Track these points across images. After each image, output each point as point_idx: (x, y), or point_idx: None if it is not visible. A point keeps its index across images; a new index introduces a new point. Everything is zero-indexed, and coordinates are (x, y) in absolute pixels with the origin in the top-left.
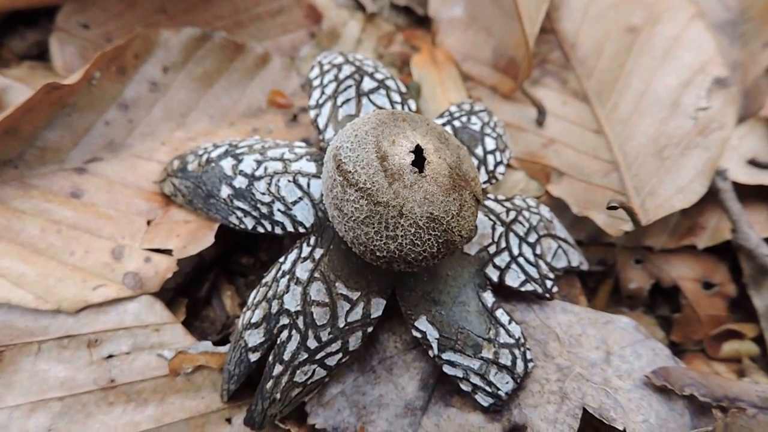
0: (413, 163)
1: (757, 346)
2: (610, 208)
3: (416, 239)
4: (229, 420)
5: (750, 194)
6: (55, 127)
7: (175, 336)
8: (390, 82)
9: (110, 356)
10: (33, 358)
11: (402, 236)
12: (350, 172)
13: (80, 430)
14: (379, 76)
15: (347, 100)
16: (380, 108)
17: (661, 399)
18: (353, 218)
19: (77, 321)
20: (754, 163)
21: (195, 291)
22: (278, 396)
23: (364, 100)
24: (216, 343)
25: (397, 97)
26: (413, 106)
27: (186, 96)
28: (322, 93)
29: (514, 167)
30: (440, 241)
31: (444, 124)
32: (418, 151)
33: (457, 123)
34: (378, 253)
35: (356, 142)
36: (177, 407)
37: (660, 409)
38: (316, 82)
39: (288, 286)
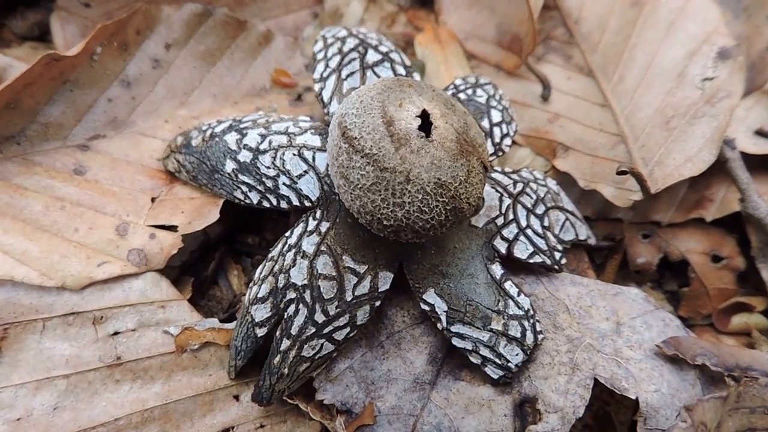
0: (420, 128)
1: (766, 318)
2: (620, 173)
3: (424, 206)
4: (236, 397)
5: (757, 165)
6: (57, 103)
7: (181, 313)
8: (394, 55)
9: (116, 333)
10: (38, 335)
11: (409, 203)
12: (356, 138)
13: (86, 408)
14: (383, 48)
15: (352, 73)
16: None
17: (672, 369)
18: (359, 186)
19: (82, 298)
20: (761, 133)
21: (201, 270)
22: (286, 371)
23: (369, 73)
24: (222, 321)
25: (401, 70)
26: (418, 79)
27: (189, 74)
28: (326, 66)
29: (519, 144)
30: (448, 208)
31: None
32: (424, 116)
33: (462, 96)
34: (385, 222)
35: (361, 108)
36: (184, 384)
37: (672, 378)
38: (320, 56)
39: (294, 260)
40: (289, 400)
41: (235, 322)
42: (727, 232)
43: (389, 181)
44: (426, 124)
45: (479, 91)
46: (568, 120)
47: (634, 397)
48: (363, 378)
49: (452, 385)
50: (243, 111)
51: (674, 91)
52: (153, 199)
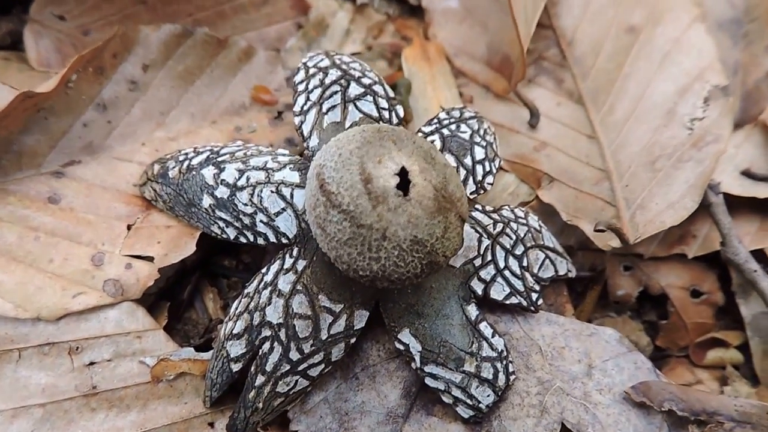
0: (398, 185)
1: (741, 354)
2: (597, 230)
3: (400, 261)
4: (211, 424)
5: (743, 204)
6: (31, 132)
7: (157, 342)
8: (377, 88)
9: (92, 363)
10: (14, 365)
11: (385, 258)
12: (333, 193)
13: None
14: (366, 81)
15: (333, 107)
16: (366, 115)
17: (639, 413)
18: (336, 239)
19: (58, 328)
20: (748, 174)
21: (177, 293)
22: (260, 405)
23: (350, 107)
24: (199, 347)
25: (384, 103)
26: (401, 112)
27: (166, 94)
28: (307, 99)
29: (504, 170)
30: (424, 262)
31: (432, 132)
32: (403, 172)
33: (446, 131)
34: (361, 273)
35: (340, 162)
36: (159, 413)
37: (638, 423)
38: (301, 87)
39: (270, 298)
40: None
41: (210, 353)
42: (708, 267)
43: (366, 237)
44: (405, 180)
45: (463, 127)
46: (554, 149)
47: None
48: (337, 409)
49: (425, 420)
50: (221, 131)
51: (662, 130)
52: (129, 227)
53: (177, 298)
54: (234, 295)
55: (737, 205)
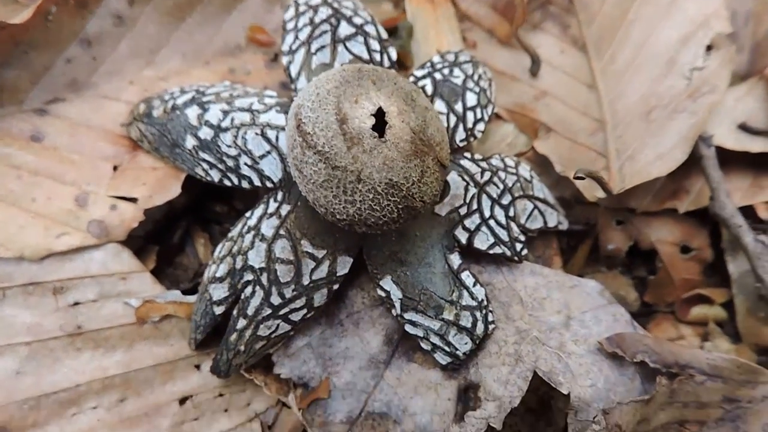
0: (375, 127)
1: (725, 311)
2: (576, 177)
3: (375, 204)
4: (197, 366)
5: (736, 159)
6: (11, 66)
7: (142, 284)
8: (369, 28)
9: (76, 303)
10: None
11: (360, 201)
12: (309, 133)
13: (48, 374)
14: (357, 20)
15: (322, 47)
16: (357, 57)
17: (612, 364)
18: (312, 181)
19: (41, 268)
20: (744, 128)
21: (168, 237)
22: (242, 348)
23: (340, 48)
24: (187, 291)
25: (375, 45)
26: (393, 55)
27: (155, 31)
28: (296, 38)
29: (503, 119)
30: (400, 207)
31: (424, 76)
32: (380, 114)
33: (438, 75)
34: (338, 216)
35: (317, 101)
36: (145, 354)
37: (610, 373)
38: (290, 25)
39: (253, 242)
40: (246, 374)
41: (196, 296)
42: (699, 224)
43: (340, 179)
44: (382, 122)
45: (456, 71)
46: (553, 99)
47: (566, 392)
48: (320, 354)
49: (405, 366)
50: (215, 72)
51: (661, 79)
52: (115, 168)
53: (167, 242)
54: None
55: (731, 159)
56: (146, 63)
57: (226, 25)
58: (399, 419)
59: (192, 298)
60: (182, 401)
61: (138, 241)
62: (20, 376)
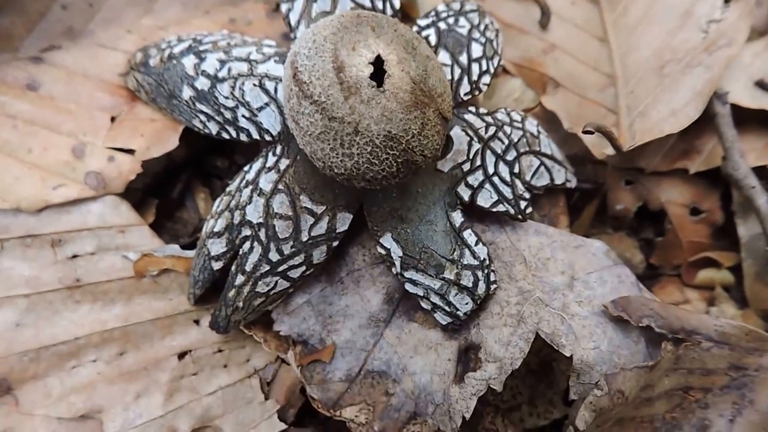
0: (373, 76)
1: (732, 275)
2: (585, 132)
3: (373, 158)
4: (197, 321)
5: (752, 117)
6: (5, 13)
7: (141, 238)
8: None
9: (74, 256)
10: None
11: (358, 154)
12: (305, 82)
13: (48, 326)
14: None
15: None
16: (358, 5)
17: (616, 327)
18: (309, 132)
19: (39, 220)
20: (761, 85)
21: (168, 191)
22: (240, 305)
23: None
24: (187, 246)
25: None
26: (396, 4)
27: None
28: None
29: (511, 73)
30: (399, 160)
31: (428, 26)
32: (379, 62)
33: (442, 25)
34: (336, 170)
35: (314, 49)
36: (144, 308)
37: (614, 336)
38: None
39: (251, 197)
40: (245, 330)
41: (194, 251)
42: (710, 185)
43: (337, 131)
44: (381, 71)
45: (462, 20)
46: (563, 52)
47: (568, 354)
48: (320, 312)
49: (405, 325)
50: (215, 21)
51: (676, 32)
52: (113, 119)
53: (167, 195)
54: None
55: (747, 118)
56: (144, 11)
57: None
58: (398, 378)
59: (191, 253)
60: (181, 356)
61: (137, 194)
62: (20, 328)
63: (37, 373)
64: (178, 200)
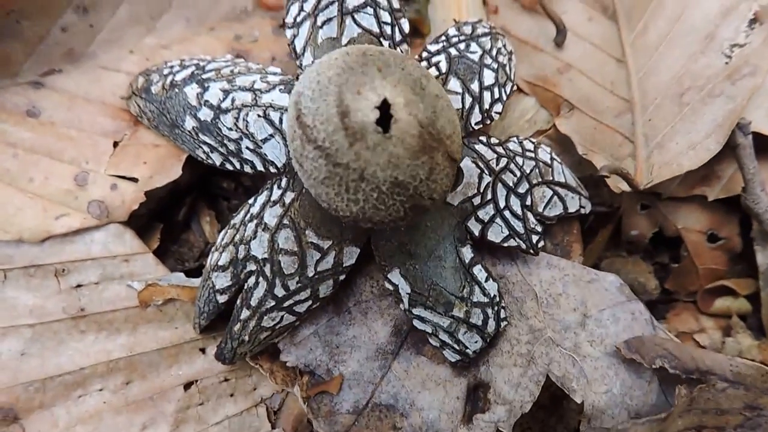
0: (380, 120)
1: (749, 304)
2: (601, 175)
3: (380, 203)
4: (202, 350)
5: None
6: (3, 37)
7: (145, 266)
8: None
9: (79, 286)
10: (0, 285)
11: (364, 200)
12: (309, 126)
13: (53, 356)
14: None
15: (328, 20)
16: (366, 30)
17: (629, 367)
18: (313, 176)
19: (42, 250)
20: None
21: (173, 213)
22: (246, 338)
23: (348, 21)
24: (192, 271)
25: (386, 17)
26: (405, 27)
27: None
28: (301, 9)
29: (524, 92)
30: (407, 206)
31: (439, 51)
32: (386, 105)
33: (453, 51)
34: (341, 213)
35: (318, 90)
36: (149, 337)
37: (626, 377)
38: None
39: (255, 232)
40: (251, 363)
41: (200, 279)
42: (729, 211)
43: (342, 176)
44: (387, 114)
45: (473, 46)
46: (578, 73)
47: (579, 401)
48: (327, 342)
49: (413, 358)
50: (220, 39)
51: (697, 57)
52: (115, 144)
53: (172, 218)
54: None
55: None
56: (147, 30)
57: None
58: (406, 413)
59: (196, 281)
60: (187, 386)
61: (141, 219)
62: (25, 357)
63: (44, 403)
64: (183, 223)
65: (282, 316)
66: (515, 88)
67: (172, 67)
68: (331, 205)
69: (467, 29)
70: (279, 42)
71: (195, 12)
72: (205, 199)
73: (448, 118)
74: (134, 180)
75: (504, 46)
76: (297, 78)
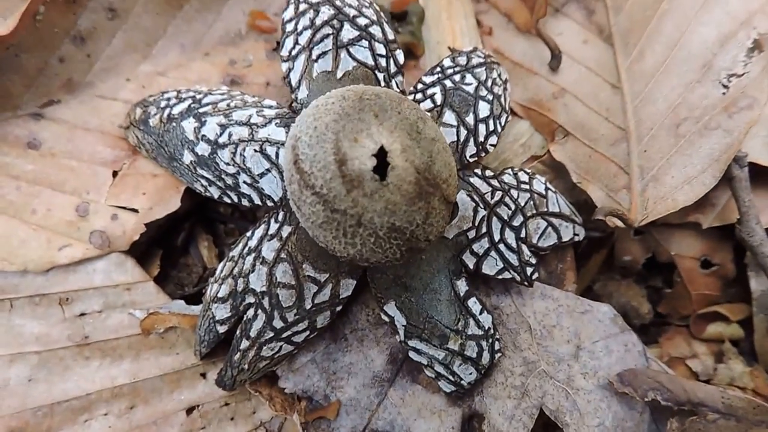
0: (377, 166)
1: (741, 329)
2: (597, 218)
3: (377, 247)
4: (203, 375)
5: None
6: (3, 71)
7: (146, 294)
8: (374, 29)
9: (83, 314)
10: (7, 313)
11: (361, 244)
12: (306, 172)
13: (59, 381)
14: (362, 21)
15: (323, 53)
16: (361, 63)
17: (621, 399)
18: (310, 220)
19: (47, 280)
20: None
21: (171, 238)
22: (246, 367)
23: (343, 54)
24: (191, 296)
25: (381, 49)
26: (400, 58)
27: (151, 22)
28: (296, 43)
29: (519, 115)
30: (403, 249)
31: (434, 83)
32: (383, 151)
33: (448, 83)
34: (339, 254)
35: (315, 137)
36: (152, 363)
37: (618, 409)
38: (289, 27)
39: (254, 265)
40: (251, 390)
41: (200, 307)
42: (723, 237)
43: (340, 222)
44: (384, 160)
45: (468, 77)
46: (573, 98)
47: None
48: (325, 369)
49: (409, 386)
50: (214, 64)
51: (694, 86)
52: (114, 173)
53: (171, 243)
54: (230, 242)
55: (764, 173)
56: (143, 57)
57: (225, 11)
58: None
59: (196, 309)
60: (189, 411)
61: (141, 245)
62: (33, 383)
63: (52, 427)
64: (182, 248)
65: (280, 346)
66: (510, 109)
67: (168, 99)
68: (329, 247)
69: (462, 60)
70: (273, 66)
71: (190, 37)
72: (202, 224)
73: (444, 162)
74: (134, 211)
75: (499, 75)
76: (291, 106)
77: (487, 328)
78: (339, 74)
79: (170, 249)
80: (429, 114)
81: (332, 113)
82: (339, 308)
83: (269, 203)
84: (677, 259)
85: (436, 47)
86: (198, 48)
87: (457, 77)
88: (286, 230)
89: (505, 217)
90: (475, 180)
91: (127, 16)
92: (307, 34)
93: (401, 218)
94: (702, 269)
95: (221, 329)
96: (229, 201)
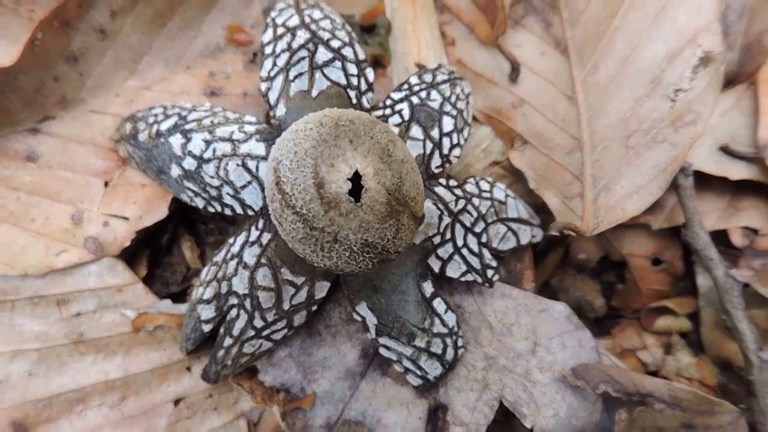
0: (352, 188)
1: (689, 322)
2: (550, 234)
3: (351, 260)
4: (189, 368)
5: (715, 178)
6: (3, 91)
7: (136, 295)
8: (347, 51)
9: (78, 314)
10: (9, 313)
11: (337, 257)
12: (287, 194)
13: (57, 376)
14: (335, 43)
15: (300, 74)
16: (334, 83)
17: (575, 391)
18: (291, 235)
19: (45, 283)
20: (726, 150)
21: (157, 238)
22: (229, 362)
23: (318, 75)
24: (177, 294)
25: (353, 69)
26: (371, 77)
27: (138, 40)
28: (274, 64)
29: (480, 122)
30: (375, 261)
31: (402, 99)
32: (357, 175)
33: (415, 99)
34: (316, 264)
35: (295, 161)
36: (142, 358)
37: (573, 400)
38: (268, 50)
39: (236, 269)
40: (233, 383)
41: (185, 306)
42: (672, 236)
43: (318, 238)
44: (358, 182)
45: (434, 93)
46: (531, 108)
47: (530, 426)
48: (301, 363)
49: (380, 379)
50: (195, 76)
51: (644, 100)
52: (106, 183)
53: (156, 243)
54: (211, 241)
55: (709, 180)
56: (130, 73)
57: (205, 26)
58: (373, 428)
59: (182, 308)
60: (176, 402)
61: (129, 247)
62: (32, 377)
63: (50, 417)
64: (166, 248)
65: (261, 344)
66: (472, 130)
67: (156, 115)
68: (307, 258)
69: (428, 77)
70: (250, 77)
71: (173, 52)
72: (184, 224)
73: (413, 181)
74: (125, 218)
75: (462, 90)
76: (268, 117)
77: (451, 326)
78: (314, 93)
79: (155, 249)
80: (398, 130)
81: (311, 139)
82: (314, 308)
83: (250, 212)
84: (629, 258)
85: (402, 58)
86: (180, 62)
87: (423, 93)
88: (266, 237)
89: (468, 224)
90: (439, 189)
91: (116, 36)
92: (285, 56)
93: (374, 235)
94: (652, 266)
95: (206, 328)
96: (213, 210)
